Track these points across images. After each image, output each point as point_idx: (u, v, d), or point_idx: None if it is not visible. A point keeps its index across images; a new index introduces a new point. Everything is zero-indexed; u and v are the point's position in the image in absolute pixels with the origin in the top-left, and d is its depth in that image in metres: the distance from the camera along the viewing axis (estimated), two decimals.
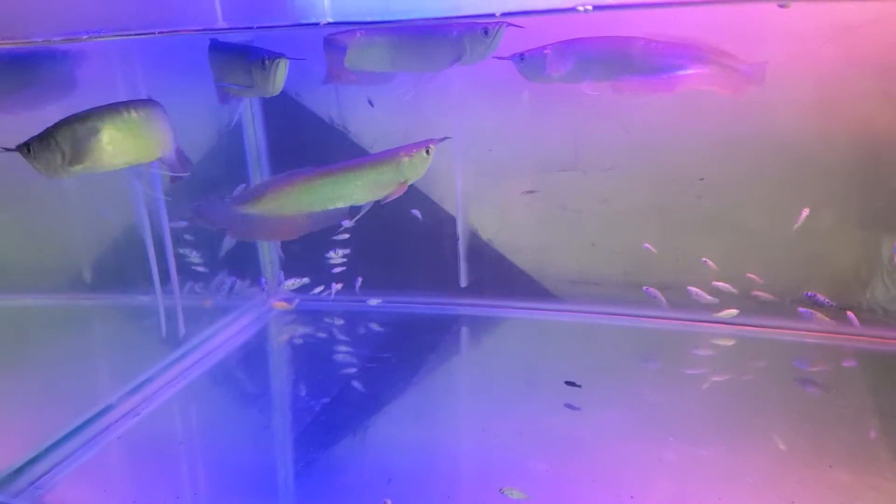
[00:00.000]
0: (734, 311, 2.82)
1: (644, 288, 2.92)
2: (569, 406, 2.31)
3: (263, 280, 3.36)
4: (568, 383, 2.21)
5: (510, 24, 2.23)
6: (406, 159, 2.24)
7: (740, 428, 2.25)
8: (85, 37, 2.42)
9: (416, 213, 3.17)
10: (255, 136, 3.26)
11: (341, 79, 2.44)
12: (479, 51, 2.28)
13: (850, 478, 1.97)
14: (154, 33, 2.45)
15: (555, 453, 2.16)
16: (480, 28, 2.24)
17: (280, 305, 3.24)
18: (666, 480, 2.01)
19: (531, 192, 3.13)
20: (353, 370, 2.76)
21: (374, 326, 3.18)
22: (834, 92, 2.63)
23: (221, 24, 2.53)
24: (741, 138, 2.78)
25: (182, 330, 2.80)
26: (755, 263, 2.83)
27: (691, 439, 2.20)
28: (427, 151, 2.25)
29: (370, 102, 3.10)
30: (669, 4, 2.54)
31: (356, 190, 2.25)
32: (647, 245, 2.95)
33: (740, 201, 2.86)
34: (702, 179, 2.86)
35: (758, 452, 2.12)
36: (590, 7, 2.14)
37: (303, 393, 2.63)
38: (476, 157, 3.15)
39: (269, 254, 3.42)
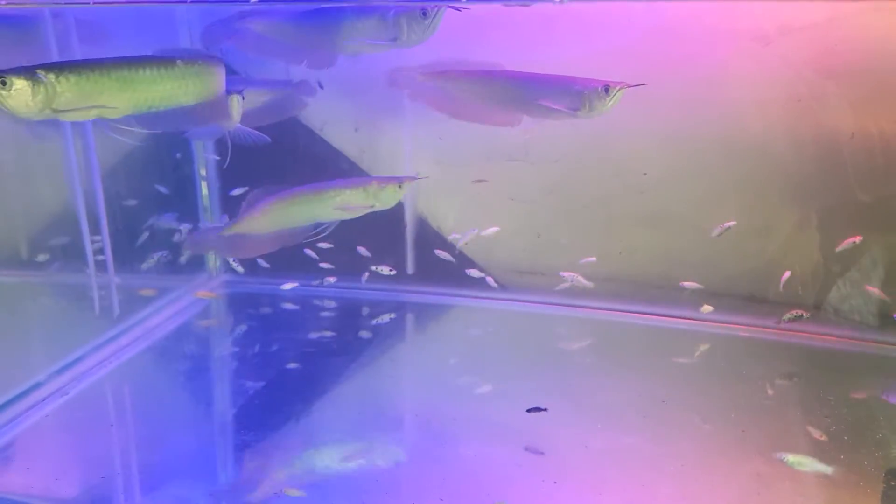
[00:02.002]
0: (709, 308, 2.84)
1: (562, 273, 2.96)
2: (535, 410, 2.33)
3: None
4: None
5: (451, 7, 2.21)
6: (377, 188, 2.47)
7: (670, 418, 2.30)
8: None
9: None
10: None
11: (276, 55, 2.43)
12: (418, 32, 2.26)
13: (769, 469, 2.03)
14: (90, 3, 2.40)
15: (483, 439, 2.19)
16: (419, 9, 2.22)
17: (203, 294, 3.19)
18: (590, 466, 2.05)
19: (481, 181, 3.14)
20: (292, 354, 2.74)
21: (319, 311, 3.16)
22: (781, 92, 2.68)
23: None
24: (687, 135, 2.83)
25: (116, 309, 2.75)
26: (694, 260, 2.90)
27: (619, 427, 2.24)
28: (399, 186, 2.48)
29: (319, 85, 3.07)
30: None
31: (326, 210, 2.48)
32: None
33: (684, 197, 2.91)
34: (645, 174, 2.90)
35: (684, 441, 2.17)
36: None
37: (239, 376, 2.61)
38: (427, 145, 3.15)
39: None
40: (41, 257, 2.64)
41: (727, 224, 2.70)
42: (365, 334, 2.92)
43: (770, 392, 2.44)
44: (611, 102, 2.33)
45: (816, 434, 2.17)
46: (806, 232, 2.82)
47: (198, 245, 2.85)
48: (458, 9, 2.26)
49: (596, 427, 2.23)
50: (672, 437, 2.19)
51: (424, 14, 2.24)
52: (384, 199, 2.48)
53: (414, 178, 2.56)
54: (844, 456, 2.05)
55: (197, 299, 3.18)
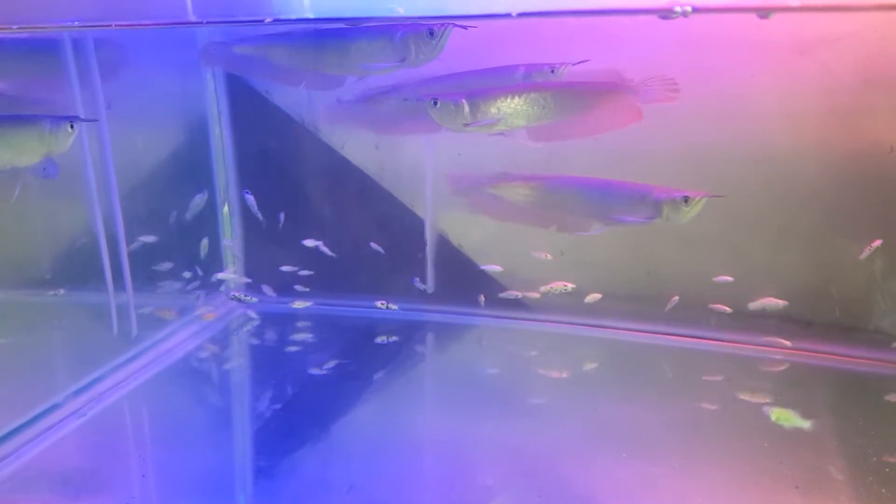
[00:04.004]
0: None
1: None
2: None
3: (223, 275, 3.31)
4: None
5: (457, 26, 2.18)
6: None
7: (697, 447, 2.20)
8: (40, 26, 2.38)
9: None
10: (220, 135, 3.20)
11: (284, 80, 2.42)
12: (426, 53, 2.23)
13: (802, 501, 1.92)
14: (112, 25, 2.41)
15: (505, 466, 2.12)
16: (426, 29, 2.18)
17: (208, 316, 3.17)
18: (615, 497, 1.97)
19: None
20: (310, 376, 2.70)
21: (337, 332, 3.13)
22: (809, 105, 2.59)
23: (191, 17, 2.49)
24: (713, 150, 2.73)
25: (134, 330, 2.75)
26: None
27: (645, 456, 2.14)
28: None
29: (339, 101, 3.05)
30: (641, 12, 2.50)
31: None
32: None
33: (713, 216, 2.81)
34: None
35: (712, 472, 2.07)
36: (689, 8, 2.09)
37: (257, 398, 2.57)
38: (447, 161, 3.10)
39: (231, 256, 3.38)
40: (58, 278, 2.65)
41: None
42: (379, 355, 2.87)
43: (808, 421, 2.32)
44: (691, 212, 2.25)
45: (853, 471, 2.05)
46: (842, 250, 2.70)
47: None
48: (464, 27, 2.23)
49: (621, 456, 2.14)
50: (702, 468, 2.09)
51: (432, 34, 2.22)
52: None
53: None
54: (886, 490, 1.94)
55: (214, 319, 3.18)
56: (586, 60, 2.28)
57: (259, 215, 3.16)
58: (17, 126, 2.17)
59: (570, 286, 2.81)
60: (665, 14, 2.17)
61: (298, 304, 3.09)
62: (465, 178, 2.57)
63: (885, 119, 2.54)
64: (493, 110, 2.31)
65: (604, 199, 2.40)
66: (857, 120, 2.56)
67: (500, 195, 2.54)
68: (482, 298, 3.05)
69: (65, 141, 2.20)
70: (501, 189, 2.52)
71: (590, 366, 2.81)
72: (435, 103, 2.32)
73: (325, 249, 3.09)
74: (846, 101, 2.55)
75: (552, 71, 2.32)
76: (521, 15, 2.19)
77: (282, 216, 3.15)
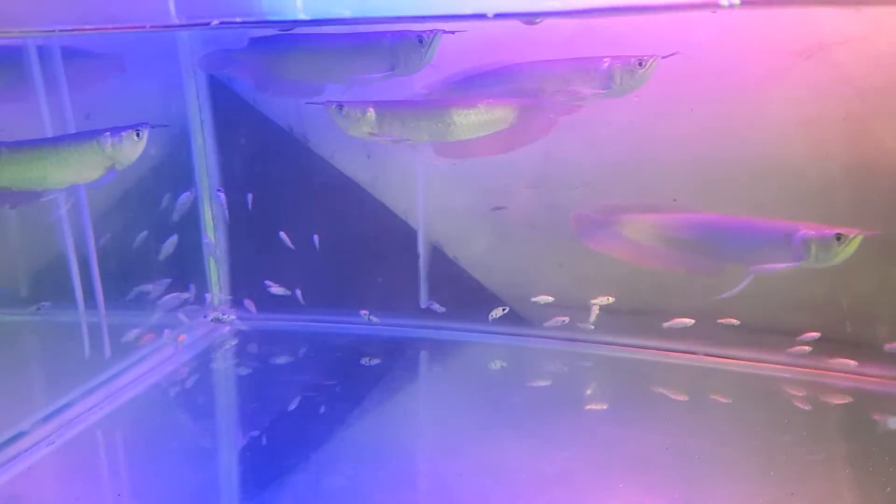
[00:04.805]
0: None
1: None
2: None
3: (208, 296, 3.18)
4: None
5: (445, 32, 2.08)
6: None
7: (701, 473, 2.06)
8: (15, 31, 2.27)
9: None
10: (203, 146, 3.08)
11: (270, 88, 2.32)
12: (415, 60, 2.14)
13: None
14: (86, 30, 2.30)
15: (501, 495, 1.98)
16: (414, 36, 2.09)
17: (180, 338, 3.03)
18: None
19: (499, 208, 2.96)
20: (294, 399, 2.56)
21: (324, 349, 2.99)
22: (821, 110, 2.45)
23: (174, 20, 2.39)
24: (716, 159, 2.60)
25: (107, 352, 2.61)
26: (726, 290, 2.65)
27: (645, 485, 2.00)
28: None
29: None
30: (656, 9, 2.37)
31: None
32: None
33: None
34: (675, 200, 2.67)
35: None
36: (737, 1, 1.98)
37: (236, 424, 2.44)
38: (440, 171, 2.98)
39: (216, 272, 3.25)
40: (30, 296, 2.53)
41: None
42: (367, 374, 2.74)
43: (815, 447, 2.17)
44: (844, 253, 2.06)
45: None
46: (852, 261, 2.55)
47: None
48: (451, 32, 2.14)
49: (617, 486, 2.00)
50: (704, 496, 1.94)
51: (420, 41, 2.14)
52: None
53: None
54: None
55: (193, 340, 3.04)
56: (676, 53, 2.14)
57: (226, 213, 3.04)
58: (75, 144, 2.05)
59: (610, 299, 2.70)
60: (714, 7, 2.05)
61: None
62: (590, 219, 2.42)
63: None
64: (398, 123, 2.26)
65: (742, 237, 2.20)
66: (870, 125, 2.42)
67: (626, 234, 2.37)
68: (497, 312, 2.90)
69: (131, 151, 2.08)
70: (626, 227, 2.36)
71: (590, 384, 2.67)
72: (340, 109, 2.25)
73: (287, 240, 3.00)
74: (857, 106, 2.41)
75: (640, 64, 2.17)
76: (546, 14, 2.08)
77: (283, 234, 3.03)
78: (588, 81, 2.18)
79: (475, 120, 2.25)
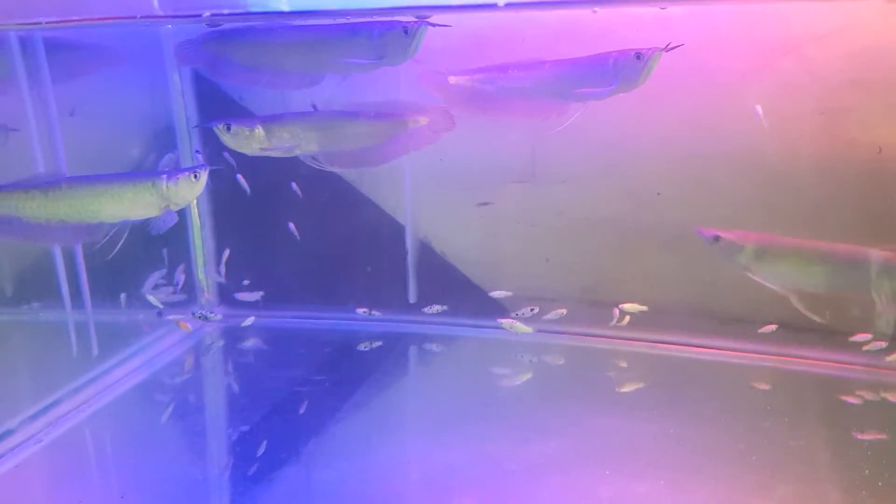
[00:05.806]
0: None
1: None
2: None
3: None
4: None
5: (432, 24, 2.09)
6: None
7: (684, 461, 2.09)
8: None
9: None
10: (188, 144, 3.06)
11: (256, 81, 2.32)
12: (401, 51, 2.14)
13: None
14: (70, 21, 2.28)
15: (487, 487, 2.00)
16: (400, 27, 2.10)
17: (182, 326, 3.02)
18: None
19: (486, 203, 2.98)
20: (285, 395, 2.56)
21: (313, 345, 2.99)
22: (796, 105, 2.50)
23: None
24: (697, 154, 2.64)
25: (95, 349, 2.59)
26: (713, 284, 2.69)
27: (630, 473, 2.03)
28: None
29: (314, 107, 2.94)
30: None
31: None
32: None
33: (701, 219, 2.71)
34: (658, 194, 2.71)
35: (701, 487, 1.96)
36: None
37: (225, 420, 2.44)
38: (428, 166, 2.99)
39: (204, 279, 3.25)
40: (16, 294, 2.51)
41: None
42: (360, 366, 2.75)
43: (798, 432, 2.21)
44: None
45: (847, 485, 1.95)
46: None
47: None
48: (434, 24, 2.16)
49: (604, 473, 2.03)
50: (689, 485, 1.98)
51: (406, 32, 2.15)
52: None
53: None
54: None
55: (182, 336, 3.02)
56: (681, 45, 2.17)
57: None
58: (131, 183, 2.10)
59: (645, 308, 2.74)
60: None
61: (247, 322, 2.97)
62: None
63: (873, 119, 2.45)
64: (287, 135, 2.33)
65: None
66: (844, 121, 2.48)
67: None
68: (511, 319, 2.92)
69: (188, 192, 2.11)
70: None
71: (576, 377, 2.70)
72: (228, 128, 2.30)
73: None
74: (832, 101, 2.47)
75: (637, 57, 2.19)
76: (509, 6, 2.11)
77: (291, 225, 3.03)
78: (604, 77, 2.21)
79: (359, 131, 2.41)
